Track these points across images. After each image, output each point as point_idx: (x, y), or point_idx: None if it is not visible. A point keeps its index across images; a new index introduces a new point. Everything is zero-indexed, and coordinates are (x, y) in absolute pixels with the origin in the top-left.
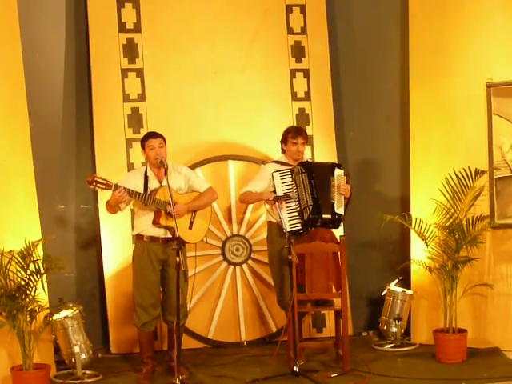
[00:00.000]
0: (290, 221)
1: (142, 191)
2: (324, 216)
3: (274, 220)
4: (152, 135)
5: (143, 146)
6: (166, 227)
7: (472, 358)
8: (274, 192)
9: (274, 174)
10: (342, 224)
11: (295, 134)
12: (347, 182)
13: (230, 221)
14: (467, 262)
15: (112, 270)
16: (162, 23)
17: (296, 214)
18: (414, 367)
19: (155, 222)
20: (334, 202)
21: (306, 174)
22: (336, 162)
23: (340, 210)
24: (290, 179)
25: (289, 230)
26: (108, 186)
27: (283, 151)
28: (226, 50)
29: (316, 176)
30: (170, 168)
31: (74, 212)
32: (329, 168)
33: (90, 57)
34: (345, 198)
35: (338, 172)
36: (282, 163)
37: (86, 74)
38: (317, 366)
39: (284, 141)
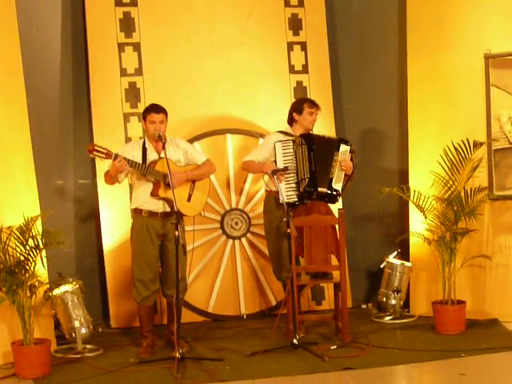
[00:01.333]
0: (286, 192)
1: (140, 162)
2: (320, 189)
3: (272, 189)
4: (155, 110)
5: (144, 118)
6: (165, 199)
7: (471, 329)
8: (275, 162)
9: (276, 143)
10: (339, 200)
11: (312, 103)
12: (351, 160)
13: (228, 195)
14: (466, 233)
15: (111, 245)
16: None
17: (293, 185)
18: (413, 339)
19: (154, 194)
20: (332, 178)
21: (306, 146)
22: (344, 138)
23: (337, 186)
24: (292, 150)
25: (285, 201)
26: (108, 154)
27: (293, 122)
28: (223, 23)
29: (316, 149)
30: (168, 141)
31: (72, 187)
32: (334, 142)
33: (87, 31)
34: (346, 175)
35: (343, 148)
36: (286, 133)
37: (83, 48)
38: (316, 338)
39: (298, 110)
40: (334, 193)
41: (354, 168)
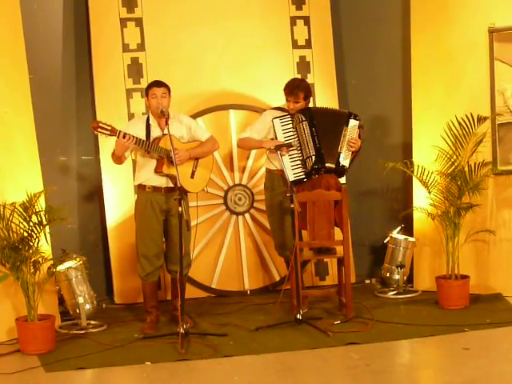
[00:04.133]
0: (293, 169)
1: (143, 139)
2: (327, 165)
3: (274, 168)
4: (156, 84)
5: (146, 94)
6: (168, 175)
7: (474, 303)
8: (275, 139)
9: (274, 120)
10: (345, 174)
11: (288, 94)
12: (359, 136)
13: (231, 170)
14: (469, 208)
15: (115, 221)
16: None
17: (299, 162)
18: (417, 314)
19: (157, 170)
20: (341, 153)
21: (307, 122)
22: (353, 112)
23: (345, 162)
24: (291, 125)
25: (292, 179)
26: (113, 131)
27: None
28: None
29: (318, 123)
30: (171, 117)
31: (75, 163)
32: (343, 116)
33: (89, 6)
34: (353, 152)
35: (352, 123)
36: (281, 109)
37: (85, 24)
38: (320, 313)
39: (284, 93)
40: (342, 169)
41: (362, 143)
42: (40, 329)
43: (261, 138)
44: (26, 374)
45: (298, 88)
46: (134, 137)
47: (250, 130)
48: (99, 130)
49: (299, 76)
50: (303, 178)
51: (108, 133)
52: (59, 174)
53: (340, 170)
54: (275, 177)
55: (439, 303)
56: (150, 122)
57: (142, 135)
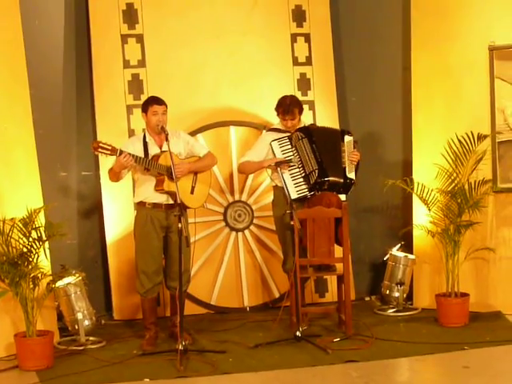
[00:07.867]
0: (296, 187)
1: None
2: (331, 178)
3: (279, 185)
4: (157, 101)
5: (145, 110)
6: (169, 192)
7: (474, 321)
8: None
9: (272, 143)
10: (352, 189)
11: (284, 113)
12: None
13: (232, 187)
14: (469, 226)
15: (114, 237)
16: None
17: (301, 180)
18: (417, 331)
19: (157, 188)
20: (345, 167)
21: (307, 139)
22: (345, 129)
23: (352, 175)
24: (289, 146)
25: (296, 197)
26: (113, 151)
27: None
28: (227, 14)
29: (318, 140)
30: (170, 133)
31: (75, 179)
32: (337, 133)
33: (90, 23)
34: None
35: (347, 139)
36: (279, 131)
37: (86, 40)
38: (319, 330)
39: (277, 112)
40: (349, 181)
41: (360, 158)
42: (38, 345)
43: (260, 160)
44: None
45: (291, 105)
46: (132, 155)
47: (248, 154)
48: (100, 150)
49: (299, 93)
50: (307, 195)
51: (108, 153)
52: (59, 189)
53: (348, 184)
54: (280, 193)
55: (439, 321)
56: (147, 139)
57: (140, 154)
